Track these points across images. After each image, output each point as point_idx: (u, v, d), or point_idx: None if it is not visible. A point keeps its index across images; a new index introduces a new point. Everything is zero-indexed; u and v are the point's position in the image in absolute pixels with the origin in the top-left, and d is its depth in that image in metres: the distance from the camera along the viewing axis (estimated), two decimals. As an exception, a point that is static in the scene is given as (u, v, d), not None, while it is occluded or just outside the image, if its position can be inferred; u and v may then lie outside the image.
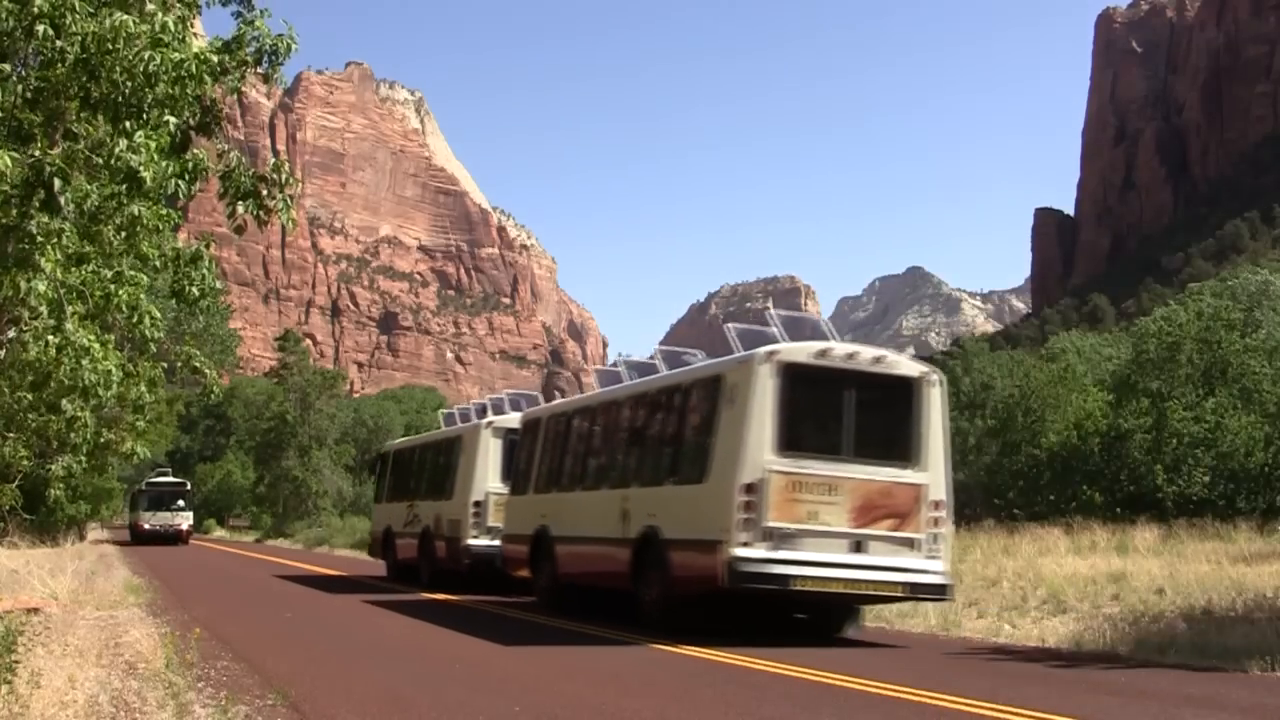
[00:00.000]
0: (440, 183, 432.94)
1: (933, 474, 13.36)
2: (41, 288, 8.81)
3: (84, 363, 9.97)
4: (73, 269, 9.93)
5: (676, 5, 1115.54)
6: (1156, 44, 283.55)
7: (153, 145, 8.25)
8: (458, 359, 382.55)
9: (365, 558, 31.84)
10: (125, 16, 7.93)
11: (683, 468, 14.20)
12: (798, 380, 12.97)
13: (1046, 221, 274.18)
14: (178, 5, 8.82)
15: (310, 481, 68.89)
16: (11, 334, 10.87)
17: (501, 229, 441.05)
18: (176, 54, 8.11)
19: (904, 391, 13.46)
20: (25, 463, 17.54)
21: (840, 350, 13.38)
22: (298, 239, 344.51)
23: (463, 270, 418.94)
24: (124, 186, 8.40)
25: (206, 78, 8.38)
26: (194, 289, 10.05)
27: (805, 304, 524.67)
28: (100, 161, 8.29)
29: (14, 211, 8.07)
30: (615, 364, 18.54)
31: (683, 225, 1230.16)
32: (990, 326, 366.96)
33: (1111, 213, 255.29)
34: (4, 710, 7.13)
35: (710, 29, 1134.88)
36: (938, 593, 13.48)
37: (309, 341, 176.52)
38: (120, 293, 9.93)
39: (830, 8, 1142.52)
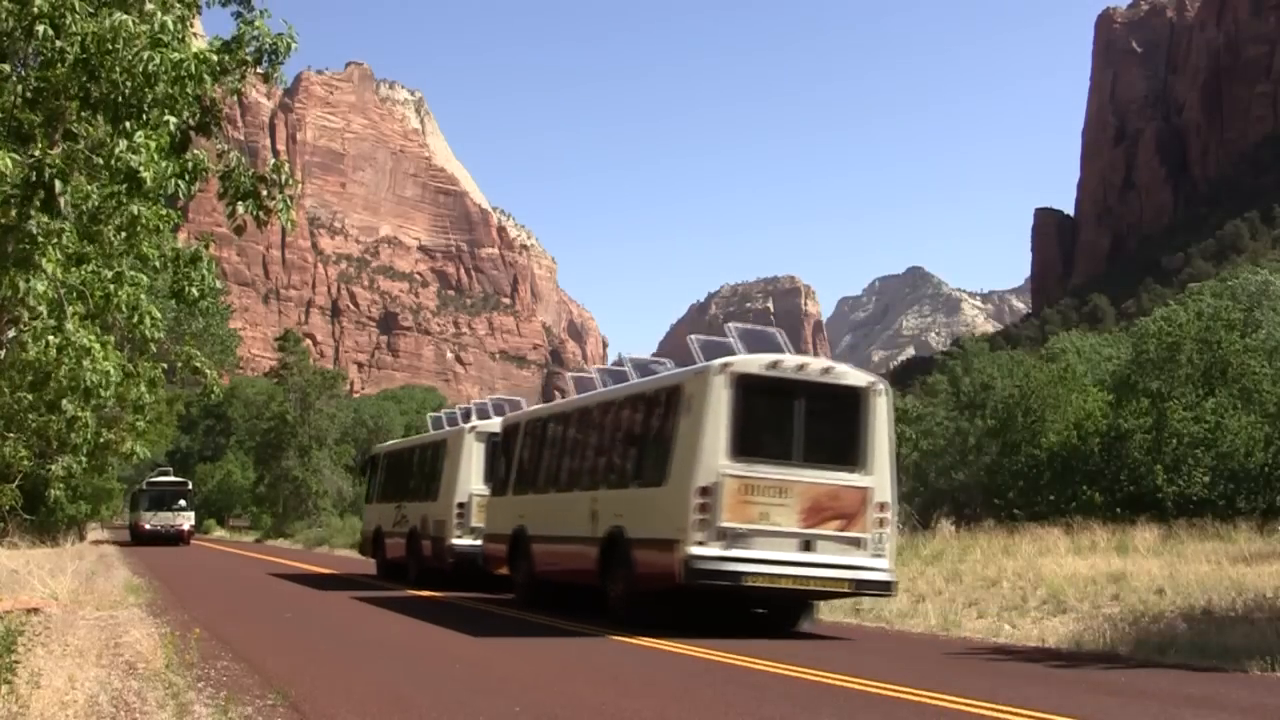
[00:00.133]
0: (440, 183, 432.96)
1: (878, 478, 14.15)
2: (40, 288, 8.81)
3: (84, 363, 9.98)
4: (73, 269, 9.93)
5: (677, 6, 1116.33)
6: (1156, 44, 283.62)
7: (153, 145, 8.25)
8: (458, 359, 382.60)
9: (360, 557, 32.63)
10: (125, 16, 7.94)
11: (645, 471, 15.00)
12: (750, 390, 13.83)
13: (1046, 221, 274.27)
14: (177, 5, 8.82)
15: (310, 481, 68.89)
16: (11, 334, 10.88)
17: (501, 229, 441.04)
18: (176, 54, 8.11)
19: (851, 400, 14.29)
20: (25, 463, 17.54)
21: (791, 362, 14.24)
22: (298, 239, 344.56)
23: (463, 270, 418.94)
24: (124, 186, 8.40)
25: (206, 77, 8.39)
26: (194, 289, 10.06)
27: (805, 304, 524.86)
28: (100, 162, 8.29)
29: (14, 212, 8.07)
30: (588, 371, 19.43)
31: (683, 225, 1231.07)
32: (990, 326, 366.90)
33: (1111, 213, 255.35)
34: (4, 710, 7.13)
35: (711, 30, 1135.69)
36: (883, 589, 14.35)
37: (309, 341, 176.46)
38: (120, 293, 9.93)
39: (830, 9, 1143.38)
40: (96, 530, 58.78)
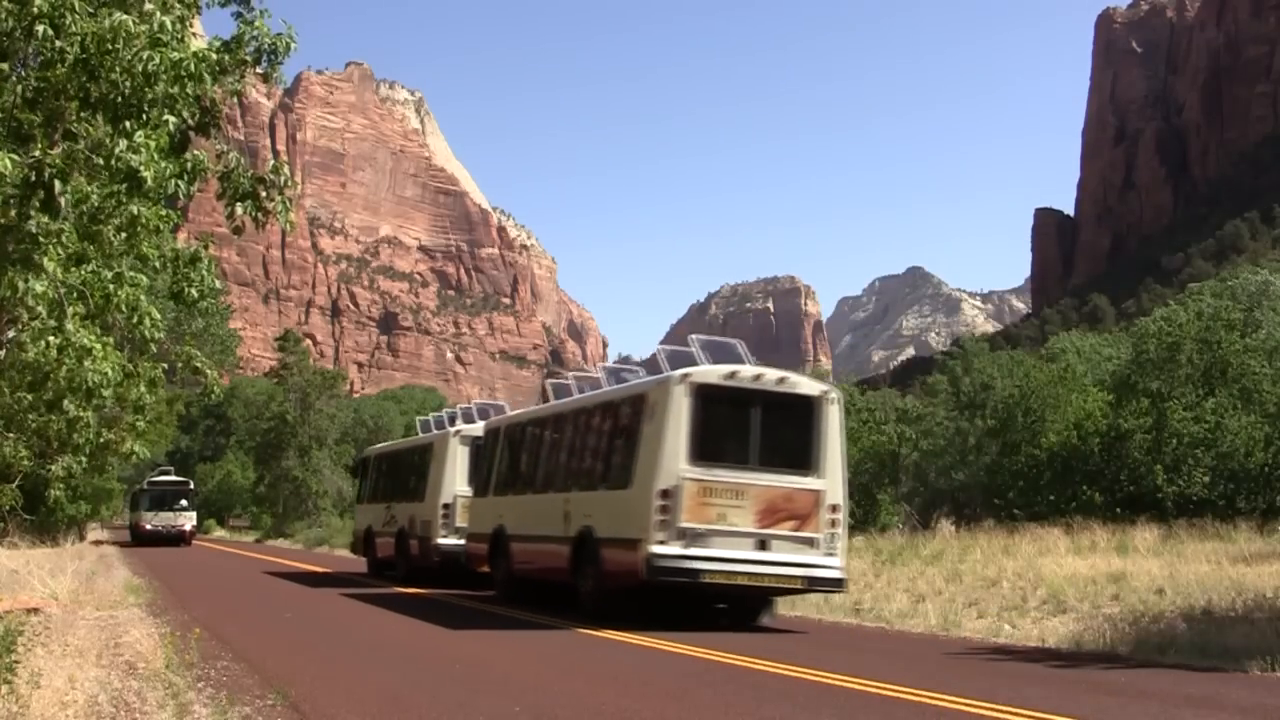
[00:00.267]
0: (440, 183, 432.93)
1: (830, 481, 14.96)
2: (39, 288, 8.81)
3: (85, 363, 9.98)
4: (72, 269, 9.93)
5: (677, 6, 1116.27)
6: (1156, 44, 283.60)
7: (153, 145, 8.25)
8: (458, 359, 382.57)
9: (353, 556, 33.31)
10: (124, 16, 7.93)
11: (613, 474, 15.82)
12: (709, 399, 14.66)
13: (1046, 221, 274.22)
14: (177, 6, 8.82)
15: (310, 481, 68.88)
16: (11, 334, 10.88)
17: (501, 229, 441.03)
18: (176, 53, 8.11)
19: (805, 408, 15.09)
20: (25, 463, 17.54)
21: (748, 372, 15.14)
22: (298, 239, 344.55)
23: (463, 270, 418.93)
24: (124, 187, 8.40)
25: (206, 77, 8.38)
26: (193, 290, 10.06)
27: (805, 304, 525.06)
28: (100, 162, 8.29)
29: (13, 212, 8.07)
30: (567, 378, 20.29)
31: (683, 225, 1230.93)
32: (990, 326, 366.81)
33: (1111, 213, 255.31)
34: (4, 710, 7.13)
35: (711, 30, 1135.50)
36: (834, 585, 15.18)
37: (309, 341, 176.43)
38: (120, 293, 9.92)
39: (830, 9, 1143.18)
40: (96, 530, 58.70)
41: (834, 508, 14.93)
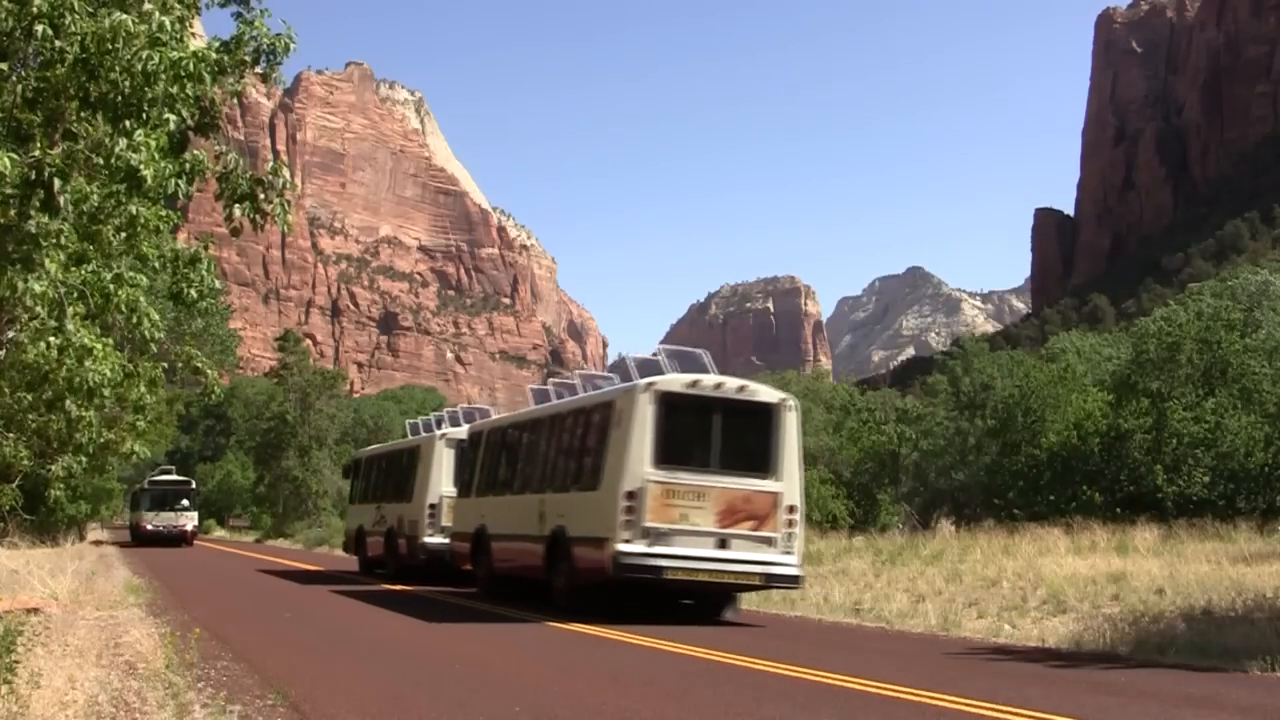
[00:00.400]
0: (440, 183, 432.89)
1: (787, 483, 15.76)
2: (38, 288, 8.80)
3: (85, 363, 9.97)
4: (72, 269, 9.92)
5: (677, 6, 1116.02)
6: (1156, 44, 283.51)
7: (152, 144, 8.24)
8: (458, 359, 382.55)
9: (345, 555, 34.44)
10: (124, 16, 7.93)
11: (583, 477, 16.63)
12: (672, 406, 15.48)
13: (1046, 221, 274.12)
14: (177, 6, 8.81)
15: (310, 481, 68.84)
16: (11, 334, 10.87)
17: (501, 229, 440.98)
18: (175, 53, 8.10)
19: (764, 415, 15.89)
20: (25, 463, 17.53)
21: (709, 381, 15.92)
22: (298, 239, 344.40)
23: (463, 270, 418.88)
24: (123, 186, 8.39)
25: (206, 76, 8.38)
26: (193, 290, 10.05)
27: (805, 304, 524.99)
28: (100, 161, 8.28)
29: (13, 212, 8.06)
30: (547, 385, 20.98)
31: (683, 225, 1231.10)
32: (990, 326, 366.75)
33: (1111, 213, 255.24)
34: (4, 710, 7.13)
35: (711, 30, 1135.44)
36: (791, 582, 16.03)
37: (309, 341, 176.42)
38: (120, 293, 9.92)
39: (830, 9, 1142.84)
40: (96, 530, 58.64)
41: (791, 509, 15.71)
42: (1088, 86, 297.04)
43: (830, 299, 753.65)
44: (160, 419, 38.24)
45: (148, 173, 8.10)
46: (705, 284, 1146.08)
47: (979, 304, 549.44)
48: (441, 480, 23.98)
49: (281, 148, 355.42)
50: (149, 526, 49.96)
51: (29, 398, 13.78)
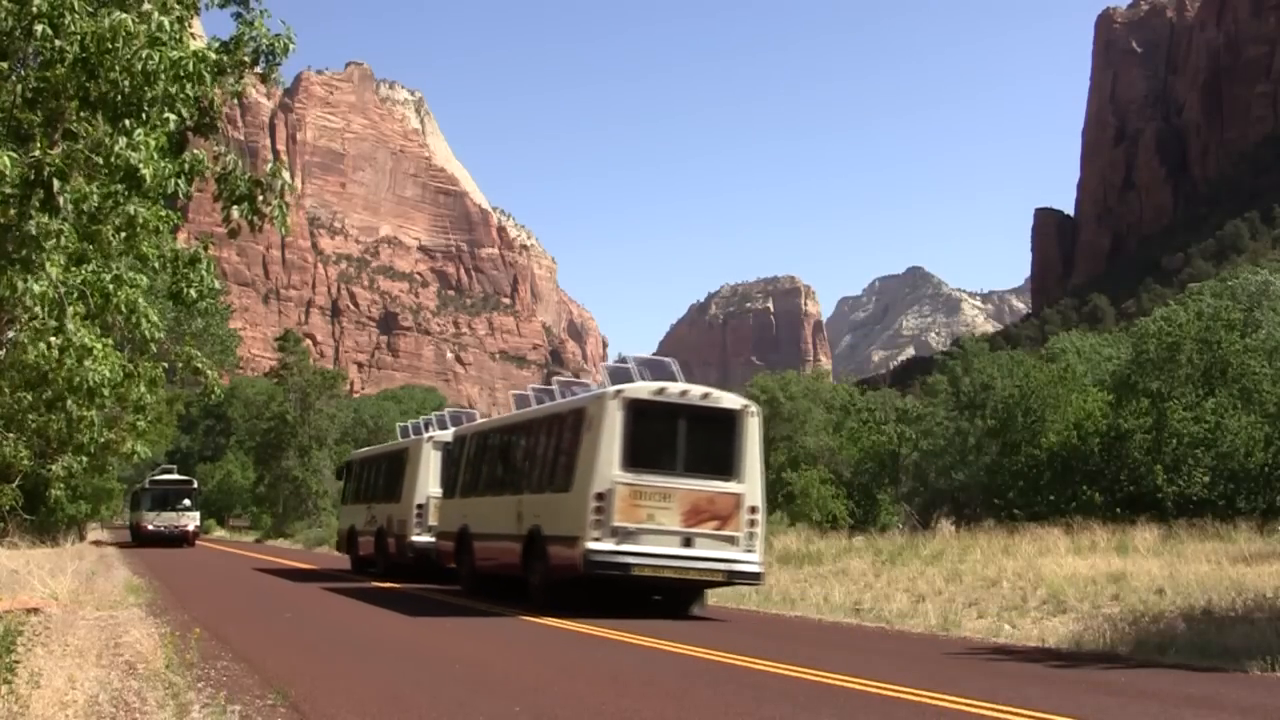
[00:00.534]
0: (440, 183, 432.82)
1: (749, 485, 16.57)
2: (38, 288, 8.80)
3: (85, 363, 9.96)
4: (72, 269, 9.92)
5: (677, 6, 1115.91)
6: (1156, 44, 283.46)
7: (152, 143, 8.23)
8: (458, 359, 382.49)
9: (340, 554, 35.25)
10: (124, 16, 7.92)
11: (557, 479, 17.43)
12: (640, 412, 16.29)
13: (1046, 221, 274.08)
14: (176, 6, 8.81)
15: (310, 481, 68.84)
16: (11, 334, 10.87)
17: (501, 229, 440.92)
18: (175, 52, 8.10)
19: (727, 421, 16.70)
20: (25, 463, 17.53)
21: (675, 389, 16.83)
22: (298, 239, 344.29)
23: (463, 270, 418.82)
24: (123, 186, 8.38)
25: (206, 75, 8.38)
26: (193, 290, 10.04)
27: (805, 304, 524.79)
28: (100, 161, 8.28)
29: (13, 211, 8.06)
30: (528, 391, 21.72)
31: (683, 225, 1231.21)
32: (990, 326, 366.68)
33: (1111, 213, 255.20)
34: (4, 710, 7.13)
35: (711, 30, 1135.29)
36: (753, 579, 16.83)
37: (309, 341, 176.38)
38: (120, 293, 9.91)
39: (830, 9, 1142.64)
40: (97, 530, 58.57)
41: (753, 509, 16.51)
42: (1088, 86, 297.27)
43: (830, 299, 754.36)
44: (160, 419, 38.22)
45: (147, 171, 8.09)
46: (705, 284, 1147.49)
47: (979, 304, 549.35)
48: (428, 481, 24.78)
49: (281, 148, 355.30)
50: (150, 527, 49.39)
51: (29, 398, 13.78)
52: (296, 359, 74.64)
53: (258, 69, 8.97)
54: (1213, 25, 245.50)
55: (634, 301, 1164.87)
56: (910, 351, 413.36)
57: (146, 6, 8.49)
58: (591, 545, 15.74)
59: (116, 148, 8.06)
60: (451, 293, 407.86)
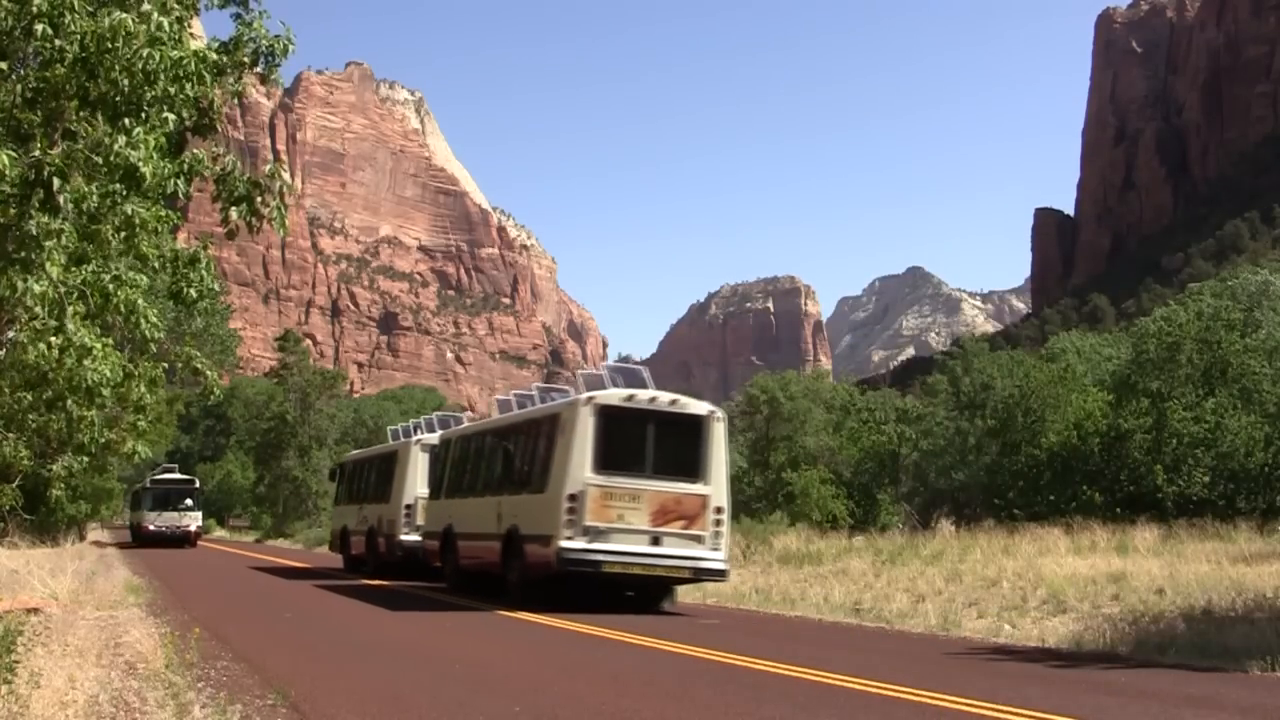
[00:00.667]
0: (440, 183, 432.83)
1: (715, 487, 17.32)
2: (38, 288, 8.79)
3: (85, 363, 9.96)
4: (72, 269, 9.91)
5: (677, 6, 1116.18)
6: (1156, 44, 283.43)
7: (151, 142, 8.23)
8: (458, 359, 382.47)
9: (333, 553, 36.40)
10: (124, 15, 7.92)
11: (533, 481, 18.21)
12: (610, 418, 17.10)
13: (1046, 221, 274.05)
14: (176, 6, 8.80)
15: (310, 481, 68.86)
16: (11, 334, 10.86)
17: (501, 229, 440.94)
18: (175, 52, 8.10)
19: (694, 426, 17.49)
20: (25, 463, 17.52)
21: (644, 395, 17.57)
22: (298, 239, 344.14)
23: (463, 270, 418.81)
24: (121, 185, 8.38)
25: (205, 76, 8.37)
26: (192, 290, 10.04)
27: (805, 304, 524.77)
28: (99, 161, 8.27)
29: (13, 211, 8.05)
30: (509, 396, 22.66)
31: (683, 225, 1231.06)
32: (990, 326, 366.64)
33: (1111, 213, 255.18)
34: (4, 710, 7.13)
35: (711, 30, 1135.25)
36: (718, 575, 17.64)
37: (309, 341, 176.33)
38: (120, 293, 9.91)
39: (830, 9, 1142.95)
40: (97, 530, 58.50)
41: (718, 509, 17.27)
42: (1088, 86, 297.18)
43: (830, 299, 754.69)
44: (160, 419, 38.22)
45: (146, 170, 8.08)
46: (705, 284, 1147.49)
47: (979, 304, 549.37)
48: (416, 483, 25.62)
49: (281, 147, 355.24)
50: (151, 527, 48.57)
51: (29, 398, 13.77)
52: (296, 359, 74.66)
53: (257, 70, 8.97)
54: (1213, 25, 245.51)
55: (634, 301, 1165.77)
56: (910, 351, 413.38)
57: (146, 6, 8.48)
58: (564, 544, 16.50)
59: (116, 146, 8.05)
60: (451, 293, 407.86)
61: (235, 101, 10.08)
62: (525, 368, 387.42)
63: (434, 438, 25.59)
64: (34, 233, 8.20)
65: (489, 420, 22.61)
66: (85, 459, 18.60)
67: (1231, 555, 20.42)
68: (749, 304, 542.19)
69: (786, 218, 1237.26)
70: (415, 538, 24.81)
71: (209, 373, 12.32)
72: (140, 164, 8.04)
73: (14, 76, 8.44)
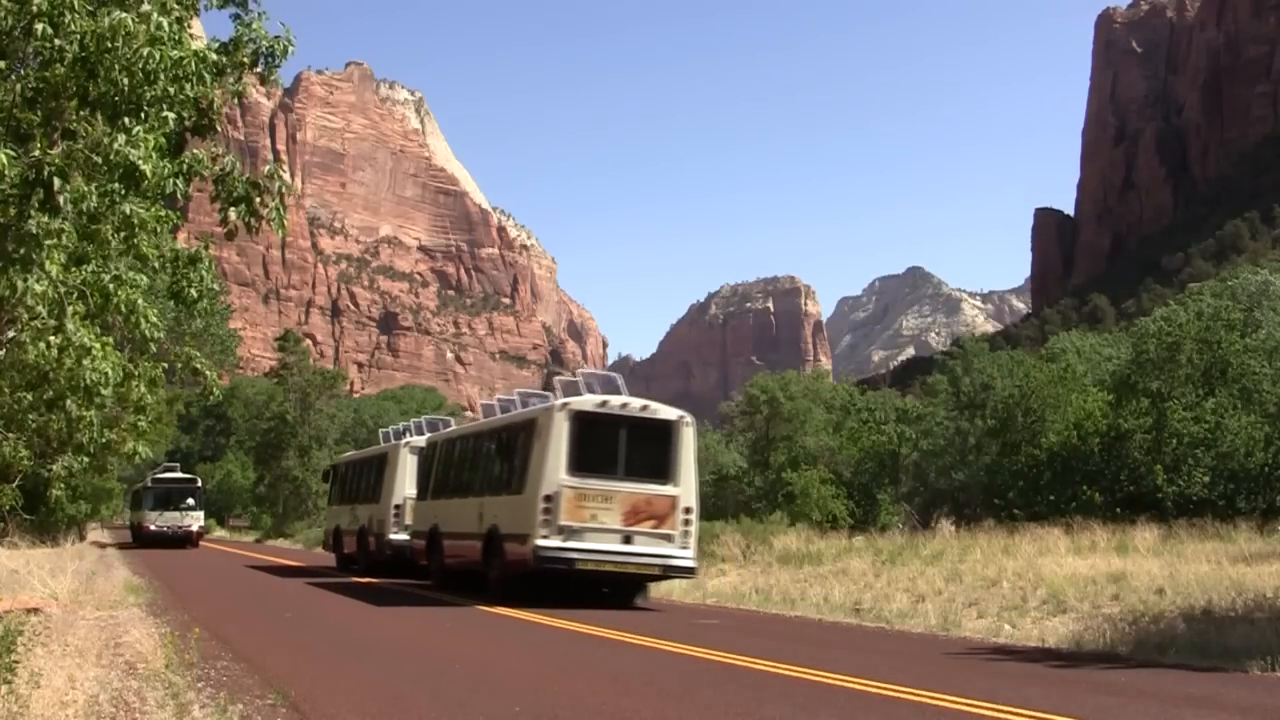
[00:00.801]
0: (440, 183, 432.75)
1: (684, 488, 18.16)
2: (38, 288, 8.79)
3: (85, 363, 9.95)
4: (72, 269, 9.91)
5: (677, 6, 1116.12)
6: (1156, 44, 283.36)
7: (150, 142, 8.22)
8: (458, 359, 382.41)
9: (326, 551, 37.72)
10: (124, 15, 7.91)
11: (512, 483, 19.10)
12: (584, 422, 17.94)
13: (1046, 221, 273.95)
14: (176, 6, 8.79)
15: (310, 481, 68.80)
16: (11, 334, 10.86)
17: (501, 229, 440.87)
18: (175, 52, 8.09)
19: (664, 430, 18.32)
20: (25, 463, 17.52)
21: (616, 401, 18.54)
22: (298, 239, 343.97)
23: (463, 270, 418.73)
24: (120, 185, 8.37)
25: (205, 76, 8.37)
26: (192, 290, 10.04)
27: (805, 304, 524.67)
28: (99, 160, 8.26)
29: (13, 211, 8.05)
30: (494, 401, 23.54)
31: (683, 225, 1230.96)
32: (990, 326, 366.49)
33: (1111, 213, 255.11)
34: (4, 710, 7.13)
35: (711, 30, 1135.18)
36: (686, 572, 18.50)
37: (309, 341, 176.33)
38: (120, 293, 9.90)
39: (830, 9, 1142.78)
40: (96, 530, 58.43)
41: (687, 510, 18.10)
42: (1088, 86, 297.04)
43: (830, 299, 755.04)
44: (160, 419, 38.21)
45: (146, 169, 8.07)
46: (705, 284, 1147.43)
47: (979, 304, 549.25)
48: (405, 484, 26.48)
49: (281, 147, 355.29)
50: (152, 527, 47.60)
51: (29, 398, 13.76)
52: (296, 359, 74.64)
53: (257, 70, 8.96)
54: (1213, 25, 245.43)
55: (634, 301, 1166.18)
56: (910, 351, 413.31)
57: (146, 7, 8.47)
58: (540, 542, 17.31)
59: (116, 145, 8.05)
60: (451, 293, 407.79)
61: (235, 101, 10.07)
62: (525, 368, 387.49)
63: (422, 440, 26.31)
64: (34, 232, 8.19)
65: (472, 424, 23.62)
66: (85, 459, 18.59)
67: (1231, 555, 20.41)
68: (749, 304, 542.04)
69: (786, 218, 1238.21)
70: (404, 537, 25.50)
71: (209, 373, 12.31)
72: (140, 163, 8.03)
73: (14, 76, 8.43)
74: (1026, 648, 13.36)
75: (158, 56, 7.90)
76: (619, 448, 18.03)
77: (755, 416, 49.64)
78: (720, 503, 44.74)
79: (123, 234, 9.19)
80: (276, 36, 8.93)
